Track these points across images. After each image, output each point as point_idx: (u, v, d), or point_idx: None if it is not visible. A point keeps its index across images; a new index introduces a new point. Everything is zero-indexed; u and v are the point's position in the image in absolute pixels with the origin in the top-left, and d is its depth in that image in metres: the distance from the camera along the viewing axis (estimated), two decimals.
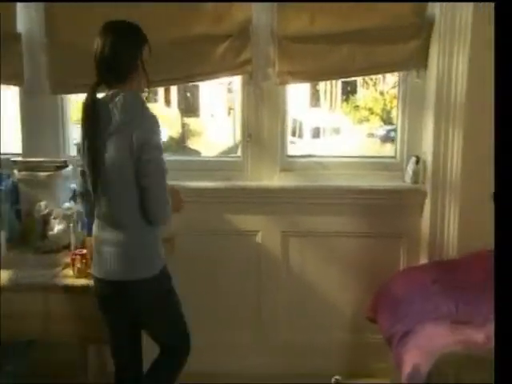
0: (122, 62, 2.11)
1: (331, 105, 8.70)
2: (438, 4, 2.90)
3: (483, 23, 2.81)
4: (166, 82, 3.23)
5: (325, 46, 2.97)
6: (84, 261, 2.34)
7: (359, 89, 8.32)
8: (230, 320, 3.17)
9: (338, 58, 2.98)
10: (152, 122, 2.12)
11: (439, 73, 2.92)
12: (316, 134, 8.42)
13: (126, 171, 2.07)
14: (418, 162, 3.07)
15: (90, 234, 2.50)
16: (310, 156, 3.35)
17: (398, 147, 3.19)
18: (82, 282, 2.34)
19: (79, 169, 2.67)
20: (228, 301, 3.16)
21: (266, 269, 3.15)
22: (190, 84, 5.01)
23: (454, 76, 2.90)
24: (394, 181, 3.14)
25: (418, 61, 2.99)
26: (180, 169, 3.00)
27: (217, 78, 3.13)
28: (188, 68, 3.00)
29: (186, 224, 2.97)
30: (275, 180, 3.12)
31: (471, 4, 2.80)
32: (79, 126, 2.16)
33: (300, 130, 8.49)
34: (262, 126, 3.11)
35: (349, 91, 8.54)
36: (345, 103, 8.43)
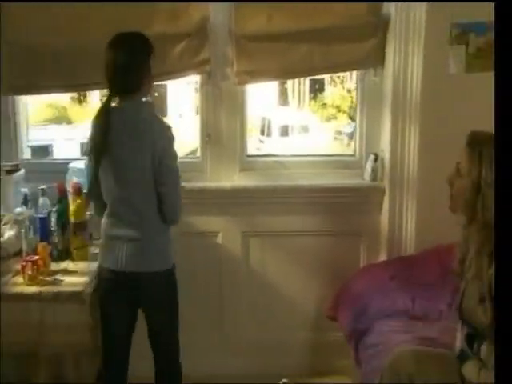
0: (136, 72, 2.26)
1: (299, 103, 8.74)
2: (393, 3, 2.92)
3: (437, 22, 2.85)
4: None
5: (283, 45, 2.97)
6: (35, 267, 2.29)
7: (327, 87, 8.37)
8: (192, 322, 3.14)
9: (296, 57, 2.99)
10: (170, 132, 2.29)
11: (395, 71, 2.95)
12: (284, 132, 8.45)
13: (147, 176, 2.23)
14: (376, 159, 3.10)
15: (43, 239, 2.47)
16: (269, 155, 3.35)
17: (357, 145, 3.21)
18: (33, 289, 2.26)
19: (88, 170, 2.53)
20: (190, 302, 3.13)
21: (227, 270, 3.14)
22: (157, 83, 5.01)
23: (409, 74, 2.93)
24: (353, 179, 3.16)
25: (375, 59, 3.02)
26: None
27: (175, 78, 3.12)
28: None
29: None
30: (235, 180, 3.11)
31: (424, 4, 2.83)
32: (42, 127, 2.21)
33: (268, 128, 8.51)
34: (221, 126, 3.09)
35: (317, 89, 8.59)
36: (313, 101, 8.47)
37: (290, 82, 8.74)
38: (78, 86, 3.10)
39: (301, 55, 2.97)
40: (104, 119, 2.24)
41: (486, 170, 1.95)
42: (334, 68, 3.14)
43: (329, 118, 7.02)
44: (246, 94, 3.15)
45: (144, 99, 2.34)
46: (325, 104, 7.89)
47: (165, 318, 2.43)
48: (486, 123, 2.82)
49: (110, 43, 2.26)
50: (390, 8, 2.94)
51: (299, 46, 2.97)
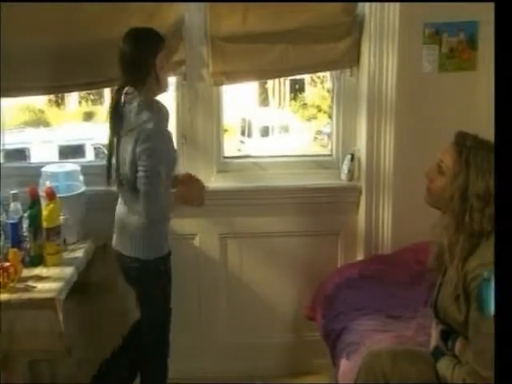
0: (139, 68, 2.34)
1: (280, 103, 8.74)
2: (367, 4, 2.93)
3: (411, 22, 2.87)
4: (97, 85, 3.14)
5: (258, 46, 2.97)
6: (6, 274, 2.25)
7: (307, 87, 8.38)
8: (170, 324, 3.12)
9: (271, 58, 2.98)
10: (153, 131, 2.32)
11: (370, 71, 2.96)
12: (265, 132, 8.44)
13: (130, 171, 2.33)
14: (352, 159, 3.10)
15: (14, 245, 2.43)
16: (246, 156, 3.34)
17: (334, 145, 3.21)
18: (4, 296, 2.21)
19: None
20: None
21: (205, 272, 3.12)
22: None
23: (384, 74, 2.94)
24: (330, 179, 3.16)
25: (350, 59, 3.02)
26: None
27: None
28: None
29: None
30: (212, 182, 3.09)
31: (397, 4, 2.84)
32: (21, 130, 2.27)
33: (249, 129, 8.49)
34: (197, 128, 3.08)
35: (297, 89, 8.60)
36: (293, 101, 8.48)
37: (270, 83, 8.74)
38: (56, 88, 3.05)
39: (276, 55, 2.97)
40: (110, 112, 2.38)
41: (474, 179, 1.94)
42: (309, 68, 3.14)
43: (309, 118, 7.04)
44: (221, 95, 3.13)
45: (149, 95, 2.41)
46: (305, 104, 7.91)
47: (142, 307, 2.54)
48: (461, 122, 2.87)
49: (122, 37, 2.36)
50: (365, 8, 2.95)
51: (274, 47, 2.96)
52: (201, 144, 3.09)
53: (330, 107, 3.29)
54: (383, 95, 2.96)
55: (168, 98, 3.25)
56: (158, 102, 2.49)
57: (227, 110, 3.44)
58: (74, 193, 2.76)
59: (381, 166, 3.01)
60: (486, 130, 2.88)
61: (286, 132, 8.15)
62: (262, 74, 3.13)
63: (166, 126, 2.51)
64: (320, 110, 7.30)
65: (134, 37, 2.36)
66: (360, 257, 3.11)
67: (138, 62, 2.34)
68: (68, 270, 2.37)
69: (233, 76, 3.03)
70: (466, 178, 1.94)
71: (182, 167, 3.09)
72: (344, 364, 2.40)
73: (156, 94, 2.46)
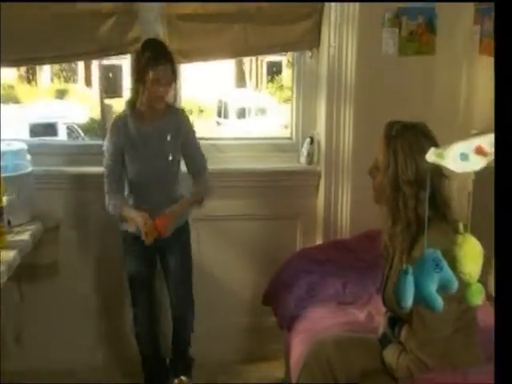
0: (132, 74, 2.61)
1: (257, 85, 8.66)
2: None
3: (371, 5, 2.82)
4: (51, 60, 3.08)
5: (216, 25, 2.92)
6: None
7: (284, 69, 8.32)
8: (126, 308, 3.09)
9: (229, 38, 2.93)
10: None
11: (330, 53, 2.91)
12: (242, 114, 8.37)
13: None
14: (312, 142, 3.06)
15: None
16: (204, 139, 3.27)
17: (294, 128, 3.17)
18: None
19: None
20: (123, 289, 3.08)
21: None
22: (109, 63, 4.86)
23: (344, 56, 2.90)
24: (289, 162, 3.12)
25: (310, 41, 2.98)
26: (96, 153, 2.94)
27: (106, 56, 3.06)
28: (74, 45, 2.88)
29: (76, 212, 2.89)
30: None
31: None
32: None
33: (225, 110, 8.42)
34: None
35: (274, 71, 8.53)
36: (270, 83, 8.41)
37: (247, 64, 8.67)
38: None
39: (234, 35, 2.92)
40: None
41: (403, 166, 1.91)
42: (268, 49, 3.09)
43: (286, 100, 6.99)
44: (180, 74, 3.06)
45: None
46: (282, 86, 7.86)
47: (184, 260, 2.81)
48: (419, 105, 2.85)
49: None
50: None
51: (233, 27, 2.91)
52: None
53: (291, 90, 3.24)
54: (343, 78, 2.92)
55: (125, 74, 3.14)
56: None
57: (203, 91, 3.37)
58: (21, 172, 2.68)
59: (340, 149, 2.97)
60: (444, 112, 2.91)
61: (262, 114, 8.10)
62: (220, 53, 3.06)
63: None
64: None
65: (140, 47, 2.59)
66: (319, 241, 3.08)
67: (133, 71, 2.58)
68: (10, 254, 2.31)
69: (190, 55, 2.97)
70: (395, 167, 1.92)
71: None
72: (295, 351, 2.38)
73: (141, 104, 2.56)
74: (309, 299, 2.59)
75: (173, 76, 2.54)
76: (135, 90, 2.56)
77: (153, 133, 2.59)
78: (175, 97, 2.73)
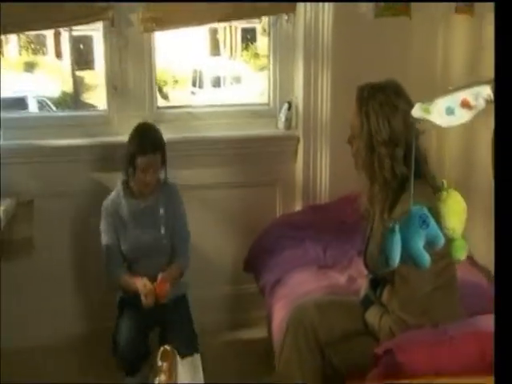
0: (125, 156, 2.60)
1: (231, 53, 8.56)
2: None
3: None
4: (21, 28, 2.97)
5: None
6: None
7: (259, 36, 8.20)
8: (98, 279, 3.06)
9: (204, 4, 2.85)
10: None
11: (306, 17, 2.88)
12: (217, 83, 8.27)
13: None
14: (290, 107, 3.04)
15: None
16: (181, 106, 3.24)
17: (271, 93, 3.14)
18: None
19: None
20: (99, 262, 3.05)
21: None
22: (79, 34, 4.73)
23: (320, 21, 2.87)
24: (267, 128, 3.10)
25: (286, 5, 2.92)
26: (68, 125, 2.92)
27: (77, 24, 2.99)
28: (43, 13, 2.77)
29: (50, 185, 2.84)
30: None
31: None
32: None
33: (200, 79, 8.31)
34: (127, 77, 2.95)
35: (248, 39, 8.42)
36: (245, 51, 8.31)
37: (221, 32, 8.53)
38: None
39: (208, 2, 2.84)
40: None
41: (376, 126, 1.91)
42: (243, 14, 3.01)
43: (262, 68, 6.90)
44: (153, 42, 3.00)
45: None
46: (257, 54, 7.76)
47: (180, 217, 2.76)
48: (397, 67, 2.83)
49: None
50: None
51: None
52: (132, 94, 2.97)
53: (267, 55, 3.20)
54: (319, 42, 2.89)
55: (96, 45, 3.09)
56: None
57: (177, 60, 3.32)
58: None
59: (318, 113, 2.95)
60: (421, 72, 2.90)
61: (237, 82, 8.01)
62: (194, 20, 2.99)
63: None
64: None
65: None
66: (298, 206, 3.08)
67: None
68: None
69: (163, 22, 2.89)
70: (368, 129, 1.93)
71: (113, 118, 2.99)
72: (277, 316, 2.39)
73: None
74: (289, 264, 2.60)
75: (162, 162, 2.57)
76: (126, 172, 2.59)
77: (144, 209, 2.61)
78: (165, 175, 2.68)
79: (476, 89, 1.05)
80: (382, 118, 1.91)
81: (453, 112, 1.02)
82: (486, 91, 1.05)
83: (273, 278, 2.56)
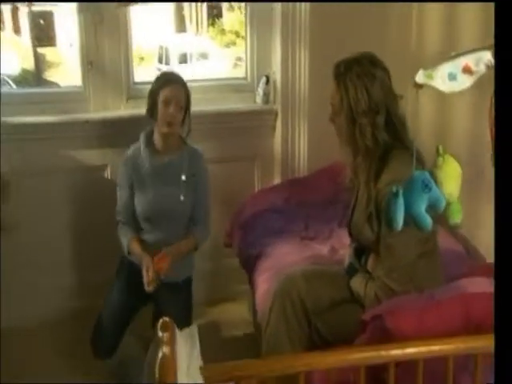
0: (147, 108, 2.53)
1: (197, 29, 8.45)
2: None
3: None
4: None
5: None
6: None
7: (225, 12, 8.12)
8: (89, 260, 3.05)
9: None
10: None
11: None
12: (183, 59, 8.19)
13: None
14: (268, 82, 3.04)
15: None
16: None
17: (249, 68, 3.13)
18: None
19: None
20: (77, 241, 3.03)
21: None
22: (39, 9, 4.60)
23: None
24: (245, 102, 3.10)
25: None
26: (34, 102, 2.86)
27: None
28: None
29: (24, 164, 2.80)
30: (122, 110, 2.96)
31: None
32: None
33: (166, 56, 8.20)
34: (103, 53, 2.90)
35: (215, 15, 8.32)
36: (211, 27, 8.21)
37: (186, 8, 8.41)
38: None
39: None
40: None
41: (354, 98, 1.95)
42: None
43: (228, 44, 6.86)
44: (129, 17, 2.95)
45: None
46: (223, 30, 7.69)
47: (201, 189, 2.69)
48: (374, 41, 2.85)
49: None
50: None
51: None
52: (108, 70, 2.92)
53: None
54: (297, 16, 2.87)
55: (57, 21, 3.02)
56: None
57: (143, 37, 3.27)
58: None
59: (296, 88, 2.96)
60: (397, 46, 2.93)
61: (204, 59, 7.94)
62: None
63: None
64: (239, 36, 7.12)
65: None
66: (277, 180, 3.10)
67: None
68: None
69: None
70: (348, 101, 1.97)
71: (89, 95, 2.95)
72: (261, 289, 2.41)
73: (159, 131, 2.51)
74: (271, 237, 2.62)
75: (185, 101, 2.49)
76: (151, 113, 2.51)
77: (166, 167, 2.52)
78: (188, 131, 2.61)
79: (477, 54, 1.08)
80: (360, 89, 1.95)
81: (455, 78, 1.05)
82: (487, 56, 1.08)
83: (255, 251, 2.58)
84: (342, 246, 2.49)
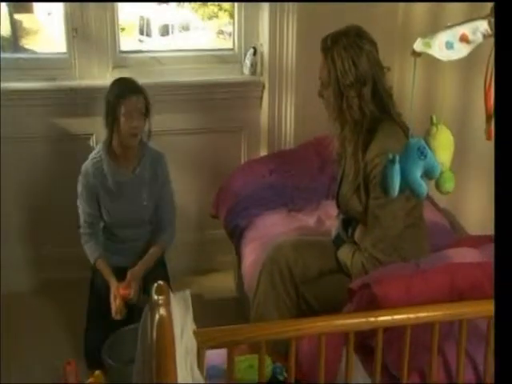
0: (104, 116, 2.44)
1: (179, 0, 8.31)
2: None
3: None
4: None
5: None
6: None
7: None
8: (70, 232, 3.03)
9: None
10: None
11: None
12: (165, 31, 8.07)
13: None
14: (255, 53, 3.02)
15: None
16: (145, 51, 3.17)
17: (236, 39, 3.11)
18: None
19: None
20: (63, 211, 3.00)
21: None
22: None
23: None
24: (232, 73, 3.08)
25: None
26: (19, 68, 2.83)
27: None
28: None
29: (7, 130, 2.75)
30: (108, 78, 2.91)
31: None
32: None
33: (148, 27, 8.08)
34: (88, 19, 2.86)
35: None
36: None
37: None
38: None
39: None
40: None
41: (341, 70, 1.96)
42: None
43: (210, 17, 6.77)
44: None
45: None
46: (206, 2, 7.60)
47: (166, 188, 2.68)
48: (362, 15, 2.85)
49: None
50: None
51: None
52: (94, 37, 2.89)
53: (232, 6, 3.15)
54: None
55: None
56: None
57: (124, 8, 3.23)
58: None
59: (284, 59, 2.95)
60: (385, 20, 2.93)
61: (186, 31, 7.85)
62: None
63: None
64: (221, 9, 7.03)
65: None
66: (263, 152, 3.11)
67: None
68: None
69: None
70: (335, 75, 1.98)
71: (74, 62, 2.91)
72: (248, 259, 2.44)
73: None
74: (259, 208, 2.64)
75: (146, 110, 2.42)
76: (109, 132, 2.43)
77: (131, 182, 2.50)
78: (149, 135, 2.53)
79: (474, 23, 1.10)
80: (347, 61, 1.96)
81: (452, 46, 1.07)
82: (484, 26, 1.10)
83: (242, 222, 2.60)
84: (328, 217, 2.51)
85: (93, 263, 2.50)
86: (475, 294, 1.66)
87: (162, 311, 1.25)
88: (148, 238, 2.60)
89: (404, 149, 1.18)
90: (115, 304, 2.37)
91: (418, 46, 1.09)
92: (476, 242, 2.00)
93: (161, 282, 1.39)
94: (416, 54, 1.09)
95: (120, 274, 2.45)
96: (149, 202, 2.54)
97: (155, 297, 1.31)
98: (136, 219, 2.55)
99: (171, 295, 1.38)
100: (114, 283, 2.42)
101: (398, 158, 1.17)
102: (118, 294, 2.38)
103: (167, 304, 1.29)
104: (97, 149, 2.52)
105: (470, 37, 1.09)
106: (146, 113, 2.44)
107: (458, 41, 1.08)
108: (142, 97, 2.41)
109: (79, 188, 2.51)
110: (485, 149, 2.27)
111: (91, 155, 2.51)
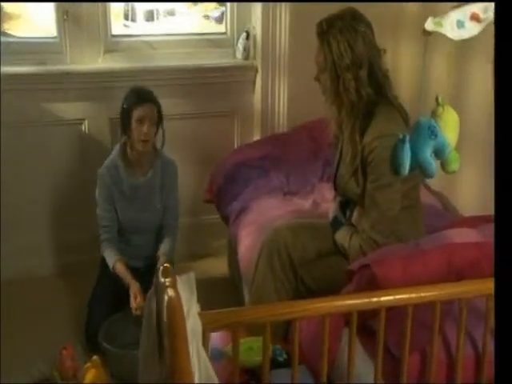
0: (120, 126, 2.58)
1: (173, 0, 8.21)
2: None
3: None
4: None
5: None
6: None
7: None
8: (61, 219, 3.01)
9: None
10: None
11: None
12: (150, 16, 7.98)
13: None
14: (248, 37, 3.01)
15: None
16: (136, 35, 3.14)
17: (229, 23, 3.09)
18: None
19: None
20: (52, 197, 2.98)
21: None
22: None
23: None
24: (225, 58, 3.07)
25: None
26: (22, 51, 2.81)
27: None
28: None
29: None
30: (99, 62, 2.90)
31: None
32: None
33: (133, 12, 7.98)
34: (79, 3, 2.81)
35: None
36: None
37: None
38: None
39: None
40: None
41: (337, 53, 1.96)
42: None
43: (195, 2, 6.71)
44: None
45: None
46: None
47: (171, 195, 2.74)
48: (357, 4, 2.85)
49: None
50: None
51: None
52: (85, 21, 2.85)
53: None
54: None
55: None
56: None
57: None
58: None
59: (276, 43, 2.94)
60: (378, 10, 2.92)
61: (171, 15, 7.79)
62: None
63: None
64: None
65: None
66: (257, 137, 3.10)
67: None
68: None
69: None
70: (331, 58, 1.98)
71: (65, 46, 2.87)
72: (245, 242, 2.44)
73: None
74: (254, 192, 2.64)
75: (158, 117, 2.53)
76: (124, 131, 2.55)
77: (144, 185, 2.61)
78: (163, 142, 2.62)
79: (485, 3, 1.10)
80: (342, 44, 1.96)
81: (463, 25, 1.07)
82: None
83: (238, 205, 2.60)
84: (323, 200, 2.52)
85: (112, 267, 2.56)
86: (473, 273, 1.69)
87: (171, 292, 1.25)
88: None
89: (414, 128, 1.18)
90: (135, 302, 2.43)
91: (429, 25, 1.09)
92: (474, 222, 2.02)
93: (166, 265, 1.39)
94: (427, 33, 1.09)
95: (135, 274, 2.53)
96: (160, 207, 2.65)
97: (162, 279, 1.31)
98: (149, 222, 2.65)
99: (177, 278, 1.38)
100: (134, 284, 2.48)
101: (408, 137, 1.17)
102: (139, 293, 2.44)
103: (174, 285, 1.29)
104: (113, 153, 2.62)
105: (481, 15, 1.09)
106: (159, 121, 2.55)
107: (469, 19, 1.08)
108: (155, 105, 2.52)
109: (96, 193, 2.60)
110: (476, 132, 2.29)
111: (107, 159, 2.61)
